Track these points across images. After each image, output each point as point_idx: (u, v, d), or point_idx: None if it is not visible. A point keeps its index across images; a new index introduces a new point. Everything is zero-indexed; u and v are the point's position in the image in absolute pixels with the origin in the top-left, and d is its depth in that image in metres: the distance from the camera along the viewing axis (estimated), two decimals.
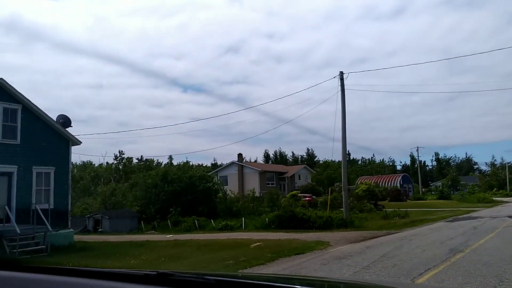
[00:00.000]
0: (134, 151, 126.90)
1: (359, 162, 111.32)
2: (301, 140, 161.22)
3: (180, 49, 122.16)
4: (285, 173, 59.18)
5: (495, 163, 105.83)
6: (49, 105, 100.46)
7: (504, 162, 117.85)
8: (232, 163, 57.44)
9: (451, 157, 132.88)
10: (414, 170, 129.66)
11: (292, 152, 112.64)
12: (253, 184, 53.68)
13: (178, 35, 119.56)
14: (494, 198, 61.13)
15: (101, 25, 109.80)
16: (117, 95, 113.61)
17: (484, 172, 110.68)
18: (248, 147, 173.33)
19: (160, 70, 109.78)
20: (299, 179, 60.06)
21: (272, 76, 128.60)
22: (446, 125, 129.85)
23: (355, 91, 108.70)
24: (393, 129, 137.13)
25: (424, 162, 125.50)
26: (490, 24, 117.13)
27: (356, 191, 50.64)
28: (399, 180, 68.93)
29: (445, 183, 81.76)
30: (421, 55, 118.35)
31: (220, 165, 67.23)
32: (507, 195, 74.66)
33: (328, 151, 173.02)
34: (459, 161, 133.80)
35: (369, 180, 71.06)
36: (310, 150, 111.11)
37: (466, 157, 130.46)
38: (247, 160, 72.10)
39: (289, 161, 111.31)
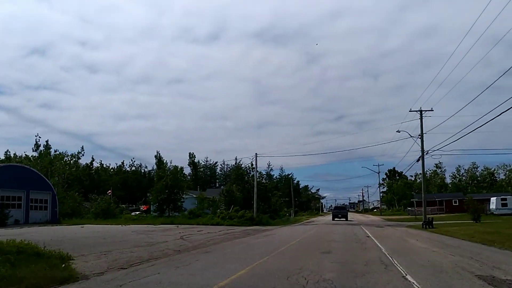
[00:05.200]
0: None
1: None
2: None
3: None
4: None
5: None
6: None
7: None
8: None
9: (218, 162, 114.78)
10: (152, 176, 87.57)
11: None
12: None
13: None
14: None
15: None
16: None
17: None
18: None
19: None
20: None
21: (84, 86, 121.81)
22: (256, 150, 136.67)
23: (173, 110, 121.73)
24: (209, 150, 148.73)
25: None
26: (293, 62, 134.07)
27: None
28: None
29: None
30: (234, 82, 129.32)
31: None
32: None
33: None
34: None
35: None
36: None
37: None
38: None
39: None
